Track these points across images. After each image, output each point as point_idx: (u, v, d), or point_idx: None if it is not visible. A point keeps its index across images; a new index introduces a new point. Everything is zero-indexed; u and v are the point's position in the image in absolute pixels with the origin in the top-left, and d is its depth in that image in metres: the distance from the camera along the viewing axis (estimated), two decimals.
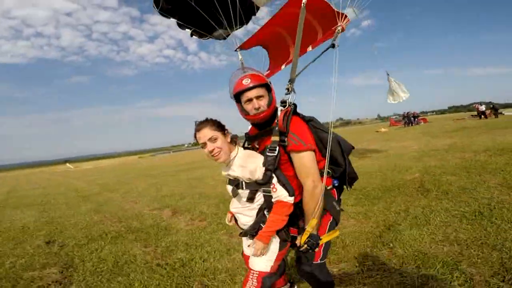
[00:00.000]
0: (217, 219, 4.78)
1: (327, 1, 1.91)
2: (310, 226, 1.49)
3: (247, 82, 1.61)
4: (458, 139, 11.35)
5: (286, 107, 1.63)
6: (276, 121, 1.62)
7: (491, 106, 27.85)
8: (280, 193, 1.57)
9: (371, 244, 2.99)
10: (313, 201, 1.52)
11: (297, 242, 1.57)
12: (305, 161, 1.56)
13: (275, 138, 1.56)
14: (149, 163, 31.37)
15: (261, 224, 1.63)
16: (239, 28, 2.56)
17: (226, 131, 1.67)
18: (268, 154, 1.55)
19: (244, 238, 1.87)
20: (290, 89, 1.65)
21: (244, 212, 1.71)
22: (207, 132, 1.60)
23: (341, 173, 1.75)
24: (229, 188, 1.74)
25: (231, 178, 1.72)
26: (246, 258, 1.89)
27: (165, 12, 2.45)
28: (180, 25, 2.59)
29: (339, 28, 1.82)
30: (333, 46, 1.74)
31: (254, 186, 1.61)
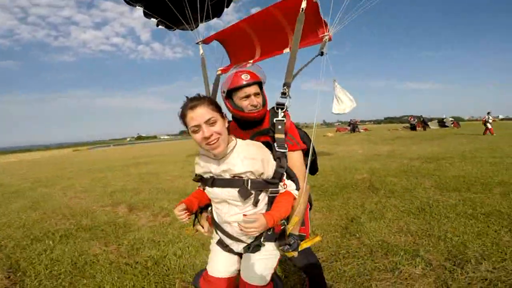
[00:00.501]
0: None
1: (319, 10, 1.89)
2: (292, 224, 1.50)
3: (246, 77, 1.57)
4: (396, 147, 13.01)
5: (284, 110, 1.60)
6: (275, 120, 1.56)
7: (421, 119, 32.15)
8: (290, 186, 1.44)
9: (340, 235, 3.28)
10: (301, 198, 1.53)
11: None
12: (298, 159, 1.59)
13: (280, 136, 1.50)
14: (89, 157, 28.14)
15: (268, 232, 1.41)
16: (206, 21, 2.47)
17: (224, 114, 1.37)
18: (278, 149, 1.46)
19: (219, 253, 1.53)
20: (287, 93, 1.60)
21: None
22: (205, 112, 1.25)
23: (311, 162, 1.86)
24: (226, 192, 1.35)
25: (227, 177, 1.35)
26: (216, 282, 1.47)
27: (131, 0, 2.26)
28: (146, 14, 2.40)
29: (327, 37, 1.85)
30: (321, 54, 1.78)
31: (262, 185, 1.34)
